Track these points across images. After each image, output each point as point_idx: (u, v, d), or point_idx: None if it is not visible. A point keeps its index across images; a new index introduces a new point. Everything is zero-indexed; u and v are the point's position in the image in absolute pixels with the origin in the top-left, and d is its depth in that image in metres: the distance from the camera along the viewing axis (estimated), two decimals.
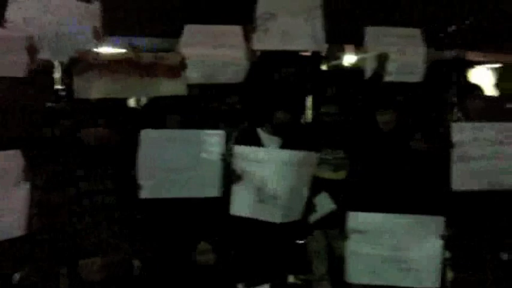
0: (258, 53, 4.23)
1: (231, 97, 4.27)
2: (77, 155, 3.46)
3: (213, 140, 3.60)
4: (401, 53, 4.48)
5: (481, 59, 8.38)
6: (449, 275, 3.82)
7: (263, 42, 4.12)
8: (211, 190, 3.56)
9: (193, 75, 3.87)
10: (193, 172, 3.55)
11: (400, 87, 4.61)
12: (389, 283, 3.47)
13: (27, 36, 3.48)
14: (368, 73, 4.43)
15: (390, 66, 4.45)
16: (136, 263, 3.51)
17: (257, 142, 3.85)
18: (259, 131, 3.91)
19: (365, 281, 3.50)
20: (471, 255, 3.86)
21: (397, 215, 3.49)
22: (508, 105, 4.50)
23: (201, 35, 4.01)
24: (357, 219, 3.50)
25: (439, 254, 3.45)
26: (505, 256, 3.79)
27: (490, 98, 4.55)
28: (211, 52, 3.98)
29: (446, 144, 3.83)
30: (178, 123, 3.77)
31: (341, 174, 4.20)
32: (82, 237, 3.36)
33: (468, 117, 4.29)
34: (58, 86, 3.99)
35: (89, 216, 3.39)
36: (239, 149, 3.60)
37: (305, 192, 3.70)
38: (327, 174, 4.17)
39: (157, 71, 3.77)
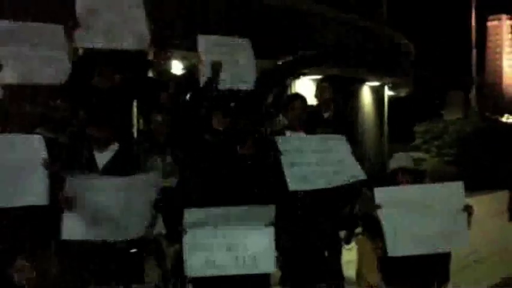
0: (81, 52, 4.05)
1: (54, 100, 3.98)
2: None
3: (31, 144, 3.32)
4: (233, 62, 4.62)
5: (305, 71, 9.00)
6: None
7: (85, 39, 3.95)
8: (37, 197, 3.30)
9: (8, 74, 3.57)
10: (14, 181, 3.26)
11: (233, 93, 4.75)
12: (228, 272, 3.49)
13: None
14: (203, 79, 4.48)
15: (224, 75, 4.55)
16: None
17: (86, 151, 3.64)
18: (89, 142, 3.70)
19: (203, 272, 3.48)
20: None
21: (230, 207, 3.55)
22: (325, 114, 4.85)
23: (18, 32, 3.73)
24: (192, 214, 3.49)
25: (271, 241, 3.54)
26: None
27: (310, 108, 4.84)
28: (29, 51, 3.71)
29: (271, 151, 4.00)
30: None
31: (169, 181, 4.15)
32: None
33: (290, 126, 4.51)
34: None
35: None
36: (71, 180, 3.41)
37: (147, 211, 3.59)
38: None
39: None
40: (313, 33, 8.58)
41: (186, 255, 3.50)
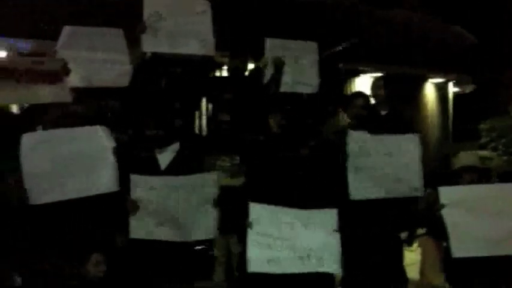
0: (148, 56, 4.15)
1: (116, 101, 4.12)
2: None
3: (98, 135, 3.41)
4: (298, 65, 4.63)
5: (365, 68, 8.88)
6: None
7: (151, 44, 4.05)
8: (107, 185, 3.38)
9: (73, 78, 3.72)
10: (84, 171, 3.36)
11: (291, 94, 4.75)
12: (290, 270, 3.49)
13: None
14: (266, 78, 4.51)
15: (286, 78, 4.57)
16: (16, 278, 3.25)
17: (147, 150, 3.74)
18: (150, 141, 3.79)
19: (266, 269, 3.49)
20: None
21: (295, 209, 3.54)
22: (383, 112, 4.77)
23: (81, 36, 3.87)
24: (257, 210, 3.52)
25: (336, 244, 3.51)
26: None
27: (369, 106, 4.77)
28: (93, 55, 3.84)
29: (334, 152, 3.97)
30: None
31: (239, 181, 4.20)
32: None
33: (352, 125, 4.45)
34: None
35: None
36: (136, 179, 3.52)
37: (211, 210, 3.65)
38: (225, 181, 4.14)
39: (35, 77, 3.56)
40: (362, 30, 8.37)
41: (249, 251, 3.52)
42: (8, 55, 4.27)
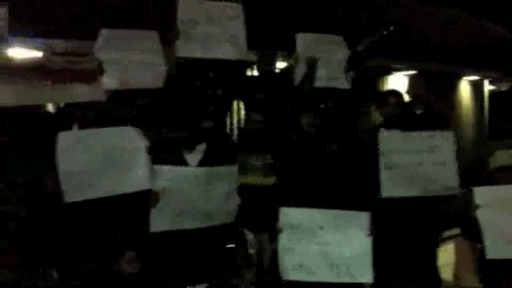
0: (182, 59, 4.19)
1: (148, 101, 4.17)
2: None
3: (132, 135, 3.49)
4: (331, 60, 4.59)
5: (398, 66, 8.78)
6: None
7: (186, 49, 4.10)
8: (139, 184, 3.46)
9: (109, 79, 3.78)
10: (118, 169, 3.43)
11: (323, 93, 4.72)
12: (322, 279, 3.49)
13: None
14: (298, 77, 4.49)
15: (320, 73, 4.54)
16: (54, 273, 3.33)
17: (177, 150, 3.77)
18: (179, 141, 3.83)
19: (298, 277, 3.50)
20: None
21: (327, 210, 3.53)
22: (418, 111, 4.70)
23: (117, 38, 3.92)
24: (288, 214, 3.52)
25: (369, 251, 3.49)
26: None
27: (403, 105, 4.71)
28: (128, 56, 3.90)
29: (366, 150, 3.94)
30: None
31: (271, 180, 4.21)
32: None
33: (384, 124, 4.41)
34: None
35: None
36: (160, 169, 3.54)
37: (233, 197, 3.68)
38: (257, 180, 4.16)
39: (71, 76, 3.63)
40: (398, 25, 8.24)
41: (280, 257, 3.53)
42: (44, 55, 4.39)
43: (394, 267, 3.76)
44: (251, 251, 4.56)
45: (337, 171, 3.97)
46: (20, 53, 4.36)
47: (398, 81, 8.95)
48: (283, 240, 3.51)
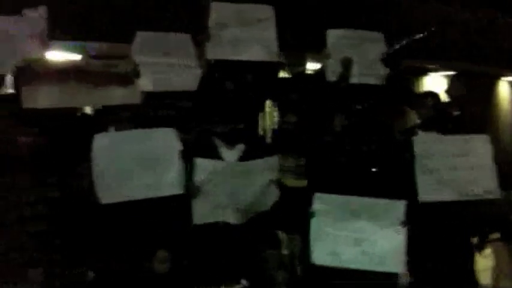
0: (212, 61, 4.22)
1: (183, 103, 4.21)
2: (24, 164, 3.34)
3: (167, 137, 3.54)
4: (363, 55, 4.53)
5: (434, 66, 8.63)
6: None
7: (216, 52, 4.13)
8: (172, 188, 3.50)
9: (145, 82, 3.82)
10: (152, 172, 3.48)
11: (358, 92, 4.67)
12: (353, 266, 3.47)
13: None
14: (332, 78, 4.45)
15: (353, 69, 4.49)
16: (90, 273, 3.39)
17: (213, 150, 3.79)
18: (216, 140, 3.86)
19: (328, 262, 3.49)
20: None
21: (361, 198, 3.52)
22: (455, 113, 4.61)
23: (153, 42, 3.99)
24: (322, 199, 3.52)
25: (402, 241, 3.46)
26: None
27: (440, 106, 4.64)
28: (163, 59, 3.95)
29: (402, 151, 3.89)
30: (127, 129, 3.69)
31: (303, 182, 4.19)
32: (29, 247, 3.23)
33: (421, 125, 4.34)
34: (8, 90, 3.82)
35: (32, 226, 3.27)
36: (199, 162, 3.57)
37: (272, 190, 3.71)
38: (290, 182, 4.15)
39: (108, 79, 3.69)
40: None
41: (312, 242, 3.53)
42: (83, 58, 4.47)
43: (432, 271, 3.70)
44: (285, 252, 4.55)
45: (372, 173, 3.92)
46: (59, 56, 4.44)
47: (435, 82, 8.80)
48: (316, 226, 3.52)
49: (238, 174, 3.64)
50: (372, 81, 4.59)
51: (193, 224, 3.53)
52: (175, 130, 3.57)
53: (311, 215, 3.52)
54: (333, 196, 3.54)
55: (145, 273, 3.37)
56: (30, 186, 3.34)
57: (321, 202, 3.52)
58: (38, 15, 3.69)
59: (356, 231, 3.50)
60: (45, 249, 3.34)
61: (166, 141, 3.53)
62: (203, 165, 3.57)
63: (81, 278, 3.38)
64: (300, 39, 4.77)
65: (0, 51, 3.53)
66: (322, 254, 3.49)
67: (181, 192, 3.50)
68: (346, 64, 4.46)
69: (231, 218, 3.63)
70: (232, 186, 3.62)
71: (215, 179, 3.59)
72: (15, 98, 3.48)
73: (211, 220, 3.59)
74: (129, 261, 3.35)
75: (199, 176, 3.56)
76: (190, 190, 3.55)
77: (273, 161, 3.78)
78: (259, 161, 3.72)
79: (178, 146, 3.53)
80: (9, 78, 3.61)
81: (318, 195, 3.53)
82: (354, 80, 4.53)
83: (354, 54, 4.46)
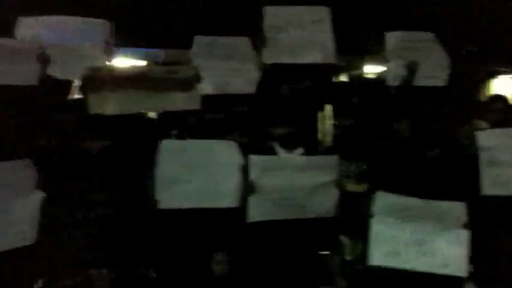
0: (268, 64, 4.24)
1: (240, 107, 4.26)
2: (86, 166, 3.47)
3: (229, 149, 3.59)
4: (424, 58, 4.44)
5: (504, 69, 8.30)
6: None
7: (272, 56, 4.15)
8: (230, 200, 3.55)
9: (204, 86, 3.88)
10: (212, 182, 3.54)
11: (418, 94, 4.57)
12: (414, 268, 3.40)
13: (38, 46, 3.56)
14: (394, 82, 4.38)
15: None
16: (151, 273, 3.49)
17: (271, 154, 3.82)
18: (275, 145, 3.87)
19: (387, 263, 3.43)
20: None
21: (422, 199, 3.46)
22: None
23: (211, 46, 4.05)
24: (384, 200, 3.47)
25: (465, 243, 3.39)
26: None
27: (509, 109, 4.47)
28: (222, 63, 4.00)
29: (464, 153, 3.78)
30: (185, 134, 3.77)
31: (363, 187, 4.15)
32: (91, 247, 3.35)
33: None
34: (74, 96, 3.99)
35: (97, 227, 3.39)
36: (254, 159, 3.59)
37: (331, 190, 3.67)
38: (350, 186, 4.11)
39: (171, 85, 3.78)
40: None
41: (371, 243, 3.48)
42: (147, 64, 4.61)
43: (496, 269, 3.61)
44: (348, 257, 4.50)
45: (435, 178, 3.83)
46: (123, 63, 4.60)
47: (503, 84, 8.46)
48: (376, 226, 3.46)
49: (295, 169, 3.61)
50: (433, 83, 4.48)
51: (248, 221, 3.54)
52: (237, 143, 3.63)
53: (370, 215, 3.46)
54: (393, 196, 3.49)
55: (203, 274, 3.43)
56: (94, 188, 3.47)
57: (380, 202, 3.48)
58: (104, 24, 3.84)
59: (417, 233, 3.44)
60: (109, 249, 3.46)
61: (228, 153, 3.59)
62: (258, 162, 3.58)
63: (144, 277, 3.48)
64: (357, 41, 4.72)
65: (68, 59, 3.69)
66: (381, 255, 3.45)
67: (237, 205, 3.53)
68: (412, 68, 4.37)
69: (288, 217, 3.61)
70: (288, 182, 3.59)
71: (271, 175, 3.58)
72: (82, 104, 3.62)
73: (267, 218, 3.58)
74: (188, 262, 3.42)
75: (254, 173, 3.56)
76: (246, 188, 3.57)
77: (332, 159, 3.72)
78: (317, 157, 3.69)
79: (239, 159, 3.58)
80: (76, 85, 3.77)
81: (378, 194, 3.48)
82: (416, 83, 4.44)
83: (414, 56, 4.38)
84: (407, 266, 3.40)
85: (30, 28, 3.73)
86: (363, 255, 4.10)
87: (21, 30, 3.71)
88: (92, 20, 3.83)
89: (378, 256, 3.44)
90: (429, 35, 4.56)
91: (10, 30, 3.66)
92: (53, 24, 3.77)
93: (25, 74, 3.48)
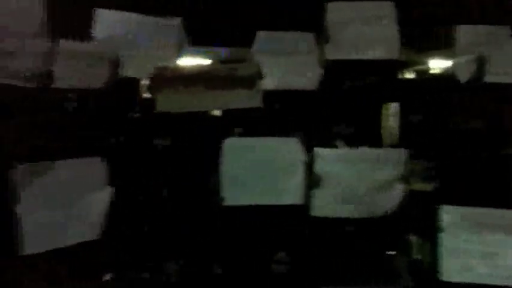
0: (331, 61, 4.20)
1: (303, 104, 4.24)
2: (154, 163, 3.58)
3: (293, 146, 3.59)
4: (494, 52, 4.29)
5: None
6: None
7: (335, 52, 4.10)
8: (294, 197, 3.54)
9: (266, 82, 3.89)
10: (275, 179, 3.55)
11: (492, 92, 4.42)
12: (489, 282, 3.27)
13: (110, 50, 3.65)
14: (463, 78, 4.26)
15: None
16: (216, 268, 3.55)
17: None
18: (339, 142, 3.85)
19: (458, 278, 3.32)
20: None
21: (493, 209, 3.32)
22: None
23: (273, 41, 4.05)
24: (450, 212, 3.36)
25: None
26: None
27: None
28: (284, 59, 4.01)
29: None
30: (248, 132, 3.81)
31: (430, 186, 4.05)
32: (158, 242, 3.45)
33: None
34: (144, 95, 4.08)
35: (166, 221, 3.48)
36: (319, 151, 3.57)
37: (397, 187, 3.59)
38: (417, 185, 4.02)
39: (234, 83, 3.82)
40: None
41: (441, 258, 3.37)
42: (212, 63, 4.68)
43: None
44: (416, 257, 4.41)
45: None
46: (189, 61, 4.68)
47: None
48: (445, 240, 3.35)
49: (361, 162, 3.56)
50: (507, 81, 4.31)
51: (312, 214, 3.52)
52: (301, 140, 3.62)
53: (439, 229, 3.38)
54: (461, 208, 3.36)
55: (265, 273, 3.45)
56: (162, 184, 3.57)
57: (448, 215, 3.36)
58: (173, 24, 3.93)
59: (489, 245, 3.30)
60: (179, 244, 3.55)
61: (291, 150, 3.59)
62: (323, 155, 3.55)
63: (211, 272, 3.55)
64: (423, 36, 4.58)
65: (138, 58, 3.78)
66: (453, 270, 3.33)
67: (300, 203, 3.52)
68: (481, 63, 4.24)
69: (353, 213, 3.56)
70: (355, 176, 3.55)
71: (336, 168, 3.55)
72: (150, 103, 3.72)
73: (330, 214, 3.54)
74: (250, 260, 3.46)
75: (318, 166, 3.54)
76: (311, 181, 3.55)
77: (399, 153, 3.62)
78: (385, 150, 3.66)
79: (303, 157, 3.57)
80: (144, 83, 3.88)
81: (445, 208, 3.36)
82: (487, 79, 4.30)
83: (486, 52, 4.23)
84: (483, 281, 3.27)
85: (106, 25, 3.76)
86: (431, 255, 4.02)
87: (98, 25, 3.74)
88: (165, 19, 3.90)
89: (450, 272, 3.33)
90: (504, 30, 4.39)
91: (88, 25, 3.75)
92: (126, 21, 3.82)
93: (95, 78, 3.56)
